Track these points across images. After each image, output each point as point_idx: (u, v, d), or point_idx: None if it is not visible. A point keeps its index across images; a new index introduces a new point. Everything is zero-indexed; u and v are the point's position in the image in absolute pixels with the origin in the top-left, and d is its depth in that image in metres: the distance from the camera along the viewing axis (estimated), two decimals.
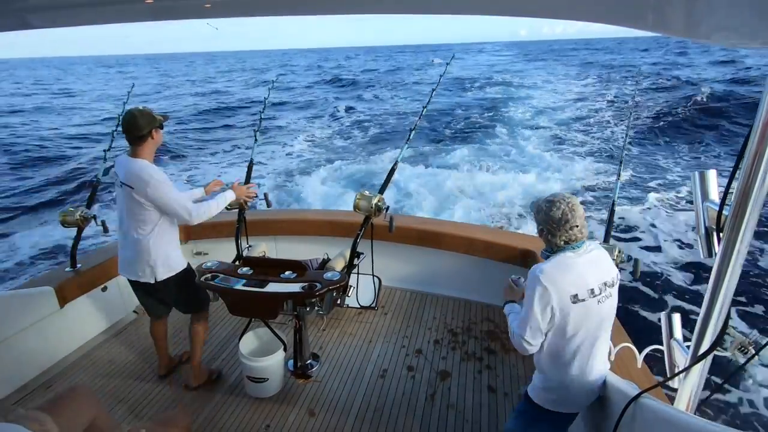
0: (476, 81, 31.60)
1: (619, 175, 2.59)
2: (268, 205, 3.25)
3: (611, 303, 1.66)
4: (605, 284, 1.62)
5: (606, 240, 2.44)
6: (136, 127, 2.32)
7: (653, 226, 8.50)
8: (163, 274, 2.48)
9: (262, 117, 3.29)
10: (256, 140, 3.13)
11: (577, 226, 1.59)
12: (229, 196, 2.64)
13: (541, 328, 1.61)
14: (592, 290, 1.58)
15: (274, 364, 2.64)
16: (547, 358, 1.72)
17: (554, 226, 1.60)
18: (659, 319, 1.57)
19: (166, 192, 2.34)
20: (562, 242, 1.61)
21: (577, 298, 1.56)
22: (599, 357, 1.72)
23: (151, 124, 2.36)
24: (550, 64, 47.40)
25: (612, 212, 2.51)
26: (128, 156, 2.40)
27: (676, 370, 1.30)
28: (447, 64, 3.11)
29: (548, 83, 30.42)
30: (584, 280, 1.58)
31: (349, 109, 23.71)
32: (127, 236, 2.45)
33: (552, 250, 1.66)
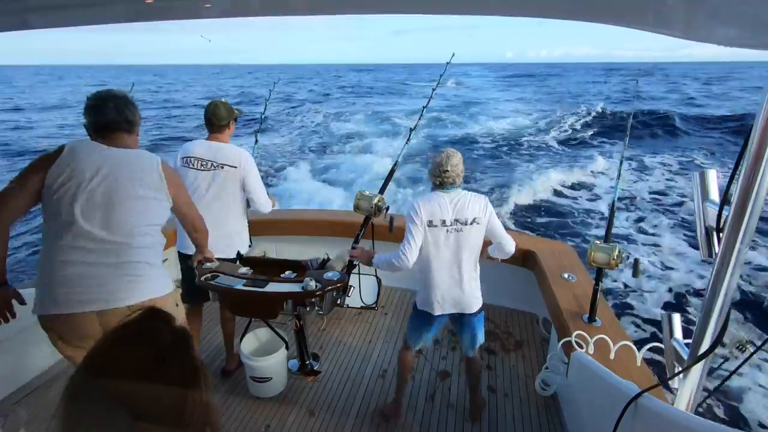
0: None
1: (619, 175, 2.59)
2: None
3: (460, 236, 2.12)
4: (458, 221, 2.09)
5: (606, 240, 2.43)
6: (219, 117, 2.53)
7: (654, 226, 8.50)
8: (243, 248, 2.67)
9: (263, 118, 3.29)
10: (256, 141, 3.13)
11: (447, 171, 2.09)
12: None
13: (417, 242, 2.09)
14: (444, 221, 2.08)
15: (277, 362, 2.64)
16: (416, 268, 2.21)
17: (434, 168, 2.13)
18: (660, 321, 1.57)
19: (259, 178, 2.60)
20: (439, 182, 2.13)
21: (431, 224, 2.08)
22: (455, 276, 2.17)
23: (230, 115, 2.58)
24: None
25: (612, 212, 2.51)
26: (211, 141, 2.54)
27: (676, 370, 1.30)
28: (447, 64, 3.12)
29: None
30: (440, 213, 2.08)
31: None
32: (218, 216, 2.50)
33: (432, 190, 2.18)
